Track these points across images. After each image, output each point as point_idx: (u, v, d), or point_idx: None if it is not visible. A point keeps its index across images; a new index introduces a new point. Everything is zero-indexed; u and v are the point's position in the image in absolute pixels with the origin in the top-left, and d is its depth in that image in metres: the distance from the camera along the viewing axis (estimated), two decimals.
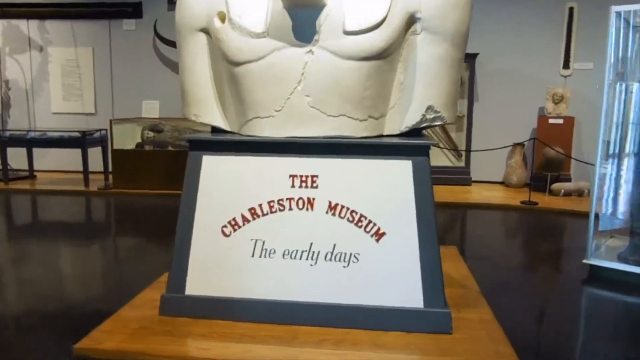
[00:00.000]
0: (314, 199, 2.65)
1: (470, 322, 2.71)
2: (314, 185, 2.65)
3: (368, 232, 2.62)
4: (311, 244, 2.64)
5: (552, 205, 6.03)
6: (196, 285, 2.70)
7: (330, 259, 2.63)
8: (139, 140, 7.05)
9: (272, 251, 2.66)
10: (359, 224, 2.62)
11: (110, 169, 6.99)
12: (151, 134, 6.88)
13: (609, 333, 2.89)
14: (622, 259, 3.70)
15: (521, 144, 7.14)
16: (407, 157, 2.62)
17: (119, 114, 7.65)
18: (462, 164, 7.39)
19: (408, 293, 2.59)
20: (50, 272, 3.73)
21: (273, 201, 2.67)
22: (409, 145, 2.62)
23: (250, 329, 2.56)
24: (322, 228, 2.64)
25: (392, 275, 2.60)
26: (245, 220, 2.68)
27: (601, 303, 3.39)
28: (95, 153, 7.12)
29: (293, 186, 2.66)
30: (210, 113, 2.92)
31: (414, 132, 2.82)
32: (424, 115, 2.75)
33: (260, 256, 2.67)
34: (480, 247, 4.57)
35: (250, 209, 2.68)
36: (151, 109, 7.19)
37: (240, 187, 2.70)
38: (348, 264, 2.62)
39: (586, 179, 6.91)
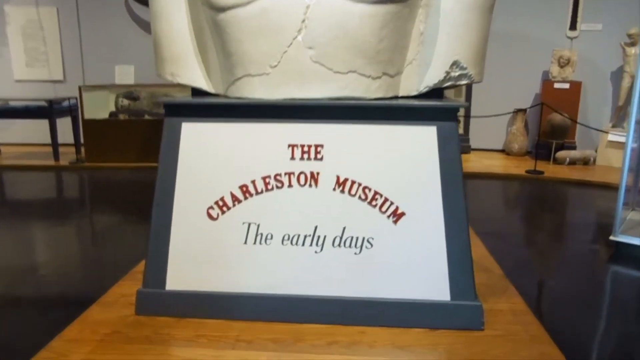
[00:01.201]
0: (318, 173, 2.20)
1: (502, 315, 2.32)
2: (319, 156, 2.20)
3: (384, 212, 2.19)
4: (316, 227, 2.20)
5: (559, 175, 5.68)
6: (179, 278, 2.25)
7: (339, 245, 2.20)
8: (112, 109, 6.48)
9: (269, 236, 2.22)
10: (373, 202, 2.19)
11: (81, 141, 6.42)
12: (126, 102, 6.31)
13: None
14: None
15: (523, 110, 6.74)
16: (431, 122, 2.17)
17: (90, 81, 7.03)
18: (460, 130, 6.96)
19: (432, 284, 2.18)
20: (14, 258, 3.24)
21: (269, 177, 2.21)
22: (434, 107, 2.17)
23: (245, 330, 2.14)
24: (328, 208, 2.20)
25: (413, 263, 2.19)
26: (235, 200, 2.23)
27: (636, 286, 3.03)
28: (64, 124, 6.53)
29: (293, 158, 2.21)
30: (189, 71, 2.42)
31: (434, 93, 2.37)
32: (448, 73, 2.30)
33: (254, 243, 2.23)
34: (492, 222, 4.19)
35: (241, 187, 2.22)
36: (125, 75, 6.58)
37: (229, 160, 2.23)
38: (360, 251, 2.20)
39: (591, 147, 6.57)
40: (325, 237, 2.20)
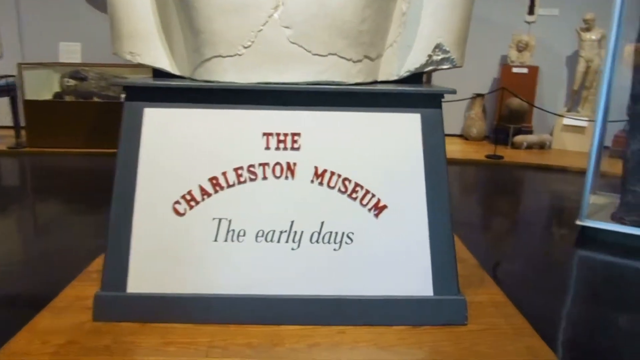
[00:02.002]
0: (295, 164, 2.04)
1: (483, 308, 2.26)
2: (295, 146, 2.04)
3: (365, 205, 2.06)
4: (292, 222, 2.05)
5: (517, 159, 5.75)
6: (142, 280, 2.05)
7: (317, 241, 2.06)
8: (57, 89, 6.03)
9: (242, 233, 2.05)
10: (354, 195, 2.05)
11: (22, 124, 5.94)
12: (72, 82, 5.87)
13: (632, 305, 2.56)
14: (617, 219, 3.39)
15: (482, 95, 6.77)
16: (415, 108, 2.05)
17: (31, 58, 6.51)
18: None
19: (414, 279, 2.09)
20: None
21: (242, 168, 2.03)
22: (419, 93, 2.04)
23: (218, 335, 1.97)
24: (306, 201, 2.05)
25: (395, 258, 2.08)
26: (204, 193, 2.04)
27: (606, 270, 3.06)
28: (2, 105, 6.02)
29: (268, 148, 2.04)
30: (151, 50, 2.18)
31: (414, 78, 2.25)
32: (430, 56, 2.18)
33: (226, 240, 2.05)
34: (457, 210, 4.16)
35: (211, 179, 2.03)
36: (71, 53, 6.11)
37: (197, 150, 2.03)
38: (340, 246, 2.07)
39: (547, 131, 6.70)
40: (302, 232, 2.06)
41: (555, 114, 6.29)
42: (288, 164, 2.03)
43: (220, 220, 2.04)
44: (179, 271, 2.05)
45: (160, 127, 2.04)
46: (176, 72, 2.22)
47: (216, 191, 2.04)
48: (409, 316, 2.08)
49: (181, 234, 2.05)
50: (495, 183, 5.14)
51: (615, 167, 4.60)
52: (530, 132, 6.57)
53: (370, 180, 2.05)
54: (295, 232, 2.05)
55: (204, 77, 2.11)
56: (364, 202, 2.05)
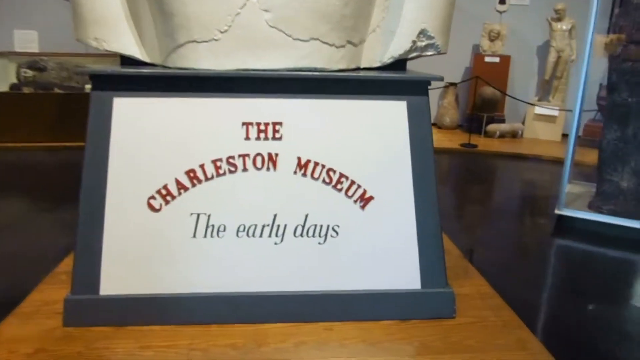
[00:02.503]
0: (276, 154, 1.94)
1: (469, 300, 2.22)
2: (277, 136, 1.94)
3: (350, 196, 1.98)
4: (275, 215, 1.96)
5: (491, 148, 5.77)
6: (115, 281, 1.93)
7: (302, 235, 1.98)
8: (13, 80, 5.72)
9: (222, 228, 1.95)
10: (339, 186, 1.97)
11: None
12: (30, 73, 5.58)
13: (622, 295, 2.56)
14: (594, 207, 3.42)
15: (454, 84, 6.77)
16: (401, 96, 1.98)
17: None
18: None
19: (402, 272, 2.02)
20: None
21: (220, 160, 1.92)
22: (405, 80, 1.97)
23: (199, 337, 1.87)
24: (289, 194, 1.96)
25: (382, 250, 2.01)
26: (181, 187, 1.92)
27: (587, 259, 3.07)
28: None
29: (248, 138, 1.93)
30: (118, 36, 2.04)
31: (397, 65, 2.18)
32: (414, 42, 2.11)
33: (205, 236, 1.94)
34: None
35: (188, 172, 1.92)
36: (27, 41, 5.80)
37: (172, 142, 1.91)
38: (325, 240, 1.99)
39: (518, 120, 6.75)
40: (285, 226, 1.96)
41: (528, 103, 6.34)
42: (269, 154, 1.93)
43: (198, 215, 1.93)
44: (156, 270, 1.93)
45: (131, 118, 1.91)
46: (146, 59, 2.09)
47: (194, 185, 1.92)
48: (397, 311, 2.02)
49: (157, 231, 1.93)
50: (471, 172, 5.15)
51: (586, 156, 4.67)
52: (502, 121, 6.61)
53: (355, 171, 1.97)
54: (279, 226, 1.96)
55: (177, 64, 1.98)
56: (350, 193, 1.97)
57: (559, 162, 5.26)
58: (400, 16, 2.06)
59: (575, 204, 3.55)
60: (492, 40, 6.49)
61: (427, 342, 1.90)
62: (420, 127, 1.99)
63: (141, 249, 1.93)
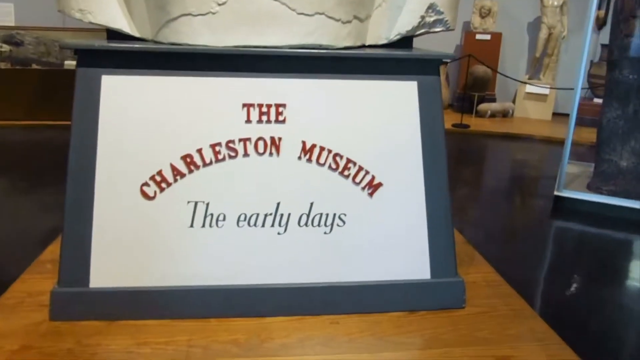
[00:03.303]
0: (280, 139, 1.81)
1: (477, 288, 2.15)
2: (280, 118, 1.81)
3: (358, 183, 1.87)
4: (278, 204, 1.84)
5: (483, 128, 5.70)
6: (107, 272, 1.80)
7: (307, 224, 1.86)
8: None
9: (221, 217, 1.82)
10: (346, 172, 1.86)
11: None
12: (6, 48, 5.30)
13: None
14: (594, 189, 3.37)
15: (444, 62, 6.65)
16: (412, 75, 1.86)
17: None
18: None
19: (411, 261, 1.93)
20: None
21: (219, 144, 1.79)
22: (416, 58, 1.85)
23: (198, 332, 1.76)
24: (293, 181, 1.84)
25: (390, 239, 1.91)
26: (177, 173, 1.79)
27: (590, 241, 3.01)
28: None
29: (249, 121, 1.80)
30: (105, 7, 1.87)
31: (404, 42, 2.05)
32: (423, 17, 1.99)
33: (203, 225, 1.82)
34: None
35: (184, 157, 1.78)
36: (3, 14, 5.50)
37: (167, 124, 1.77)
38: (331, 229, 1.88)
39: (509, 99, 6.68)
40: (289, 215, 1.85)
41: (521, 82, 6.27)
42: (272, 138, 1.81)
43: (196, 203, 1.80)
44: (150, 262, 1.81)
45: (122, 98, 1.76)
46: (135, 33, 1.92)
47: (191, 171, 1.79)
48: (405, 302, 1.93)
49: (151, 220, 1.80)
50: (466, 152, 5.07)
51: (577, 134, 4.61)
52: (493, 100, 6.53)
53: (363, 156, 1.85)
54: (282, 215, 1.84)
55: (170, 40, 1.83)
56: (357, 180, 1.86)
57: (551, 141, 5.24)
58: None
59: (573, 184, 3.50)
60: (483, 17, 6.36)
61: (438, 335, 1.82)
62: (431, 109, 1.88)
63: (134, 239, 1.80)
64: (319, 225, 1.87)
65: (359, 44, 1.96)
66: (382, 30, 2.02)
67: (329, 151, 1.83)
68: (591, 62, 6.13)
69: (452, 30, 2.13)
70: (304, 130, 1.82)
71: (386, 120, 1.86)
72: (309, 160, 1.83)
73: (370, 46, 2.03)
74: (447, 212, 1.93)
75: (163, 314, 1.81)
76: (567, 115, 6.36)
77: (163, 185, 1.78)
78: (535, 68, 6.49)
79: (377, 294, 1.91)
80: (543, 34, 6.23)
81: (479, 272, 2.29)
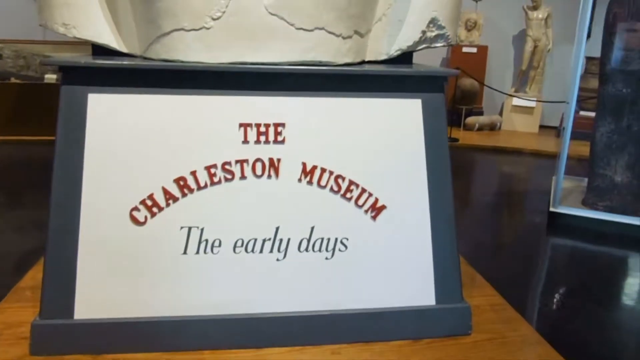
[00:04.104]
0: (279, 160, 1.72)
1: (482, 313, 2.07)
2: (279, 139, 1.72)
3: (361, 206, 1.78)
4: (277, 228, 1.74)
5: (472, 142, 5.68)
6: (93, 303, 1.67)
7: (307, 249, 1.77)
8: None
9: (217, 243, 1.72)
10: (348, 195, 1.77)
11: None
12: None
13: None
14: (589, 204, 3.33)
15: None
16: (415, 93, 1.78)
17: None
18: None
19: (415, 287, 1.85)
20: None
21: (215, 166, 1.69)
22: (420, 75, 1.78)
23: None
24: (293, 204, 1.75)
25: (394, 265, 1.82)
26: (170, 197, 1.68)
27: (591, 260, 2.96)
28: None
29: (246, 141, 1.70)
30: (91, 21, 1.77)
31: (404, 58, 1.98)
32: (424, 32, 1.92)
33: (197, 252, 1.71)
34: None
35: (177, 180, 1.68)
36: None
37: (159, 145, 1.67)
38: (332, 255, 1.78)
39: (495, 112, 6.70)
40: (289, 240, 1.75)
41: (509, 94, 6.28)
42: (271, 160, 1.71)
43: (190, 229, 1.70)
44: (140, 291, 1.69)
45: (110, 117, 1.65)
46: (123, 49, 1.83)
47: (184, 194, 1.68)
48: (409, 329, 1.84)
49: (142, 247, 1.68)
50: (456, 167, 5.00)
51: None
52: (481, 113, 6.53)
53: (366, 177, 1.77)
54: (281, 240, 1.74)
55: (160, 56, 1.73)
56: (360, 202, 1.78)
57: (540, 154, 5.23)
58: (408, 3, 1.87)
59: (567, 200, 3.46)
60: (469, 30, 6.38)
61: None
62: (436, 127, 1.80)
63: (122, 267, 1.68)
64: (320, 250, 1.77)
65: (359, 60, 1.89)
66: (381, 45, 1.95)
67: (331, 172, 1.74)
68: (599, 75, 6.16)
69: (453, 45, 2.07)
70: (304, 151, 1.73)
71: (389, 139, 1.78)
72: (310, 182, 1.74)
73: (369, 62, 1.95)
74: (452, 235, 1.85)
75: (153, 347, 1.69)
76: (553, 127, 6.41)
77: (154, 209, 1.67)
78: (521, 81, 6.51)
79: (380, 322, 1.82)
80: (529, 46, 6.26)
81: (482, 295, 2.22)
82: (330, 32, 1.72)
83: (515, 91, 6.52)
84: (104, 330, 1.68)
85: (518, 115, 6.36)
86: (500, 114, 6.56)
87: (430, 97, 1.79)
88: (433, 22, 1.91)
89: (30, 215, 3.02)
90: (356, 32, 1.80)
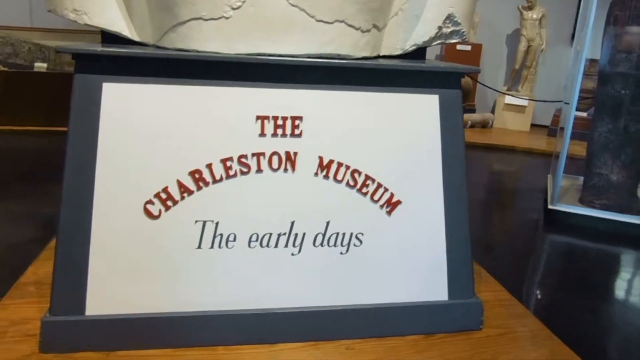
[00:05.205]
0: (296, 153, 1.70)
1: (491, 308, 2.08)
2: (296, 132, 1.69)
3: (376, 201, 1.77)
4: (292, 223, 1.72)
5: (466, 139, 5.69)
6: (105, 299, 1.64)
7: (322, 244, 1.75)
8: None
9: (232, 237, 1.69)
10: (364, 189, 1.76)
11: None
12: None
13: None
14: (586, 202, 3.37)
15: None
16: (433, 88, 1.77)
17: None
18: None
19: (429, 282, 1.84)
20: None
21: (231, 159, 1.66)
22: (437, 71, 1.77)
23: None
24: (308, 198, 1.73)
25: (408, 260, 1.82)
26: (185, 190, 1.65)
27: (592, 257, 2.99)
28: None
29: (263, 134, 1.68)
30: (102, 8, 1.73)
31: (418, 53, 1.98)
32: (440, 28, 1.91)
33: (212, 246, 1.68)
34: None
35: (192, 173, 1.64)
36: None
37: (174, 137, 1.63)
38: (347, 249, 1.77)
39: (487, 110, 6.74)
40: (304, 234, 1.73)
41: (502, 93, 6.32)
42: (287, 153, 1.69)
43: (204, 222, 1.67)
44: (154, 286, 1.66)
45: (125, 108, 1.61)
46: (135, 37, 1.78)
47: (199, 188, 1.65)
48: (422, 324, 1.84)
49: (156, 241, 1.65)
50: None
51: (552, 146, 4.65)
52: (473, 110, 6.57)
53: (382, 172, 1.76)
54: (296, 234, 1.72)
55: (176, 45, 1.69)
56: (376, 197, 1.76)
57: (532, 152, 5.28)
58: None
59: (564, 198, 3.50)
60: None
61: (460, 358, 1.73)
62: (452, 123, 1.80)
63: (136, 262, 1.65)
64: (335, 245, 1.75)
65: (375, 54, 1.87)
66: (396, 40, 1.93)
67: (347, 167, 1.73)
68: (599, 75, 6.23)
69: (467, 41, 2.07)
70: (321, 145, 1.71)
71: (406, 134, 1.77)
72: (326, 176, 1.72)
73: (384, 57, 1.94)
74: (465, 231, 1.85)
75: (166, 343, 1.66)
76: (544, 126, 6.47)
77: (169, 203, 1.64)
78: (514, 80, 6.56)
79: (393, 317, 1.81)
80: (522, 46, 6.31)
81: (490, 291, 2.23)
82: (350, 25, 1.70)
83: (508, 89, 6.57)
84: (116, 326, 1.64)
85: (510, 114, 6.41)
86: (493, 112, 6.61)
87: (447, 93, 1.79)
88: (449, 18, 1.90)
89: (20, 207, 2.95)
90: (374, 26, 1.79)
